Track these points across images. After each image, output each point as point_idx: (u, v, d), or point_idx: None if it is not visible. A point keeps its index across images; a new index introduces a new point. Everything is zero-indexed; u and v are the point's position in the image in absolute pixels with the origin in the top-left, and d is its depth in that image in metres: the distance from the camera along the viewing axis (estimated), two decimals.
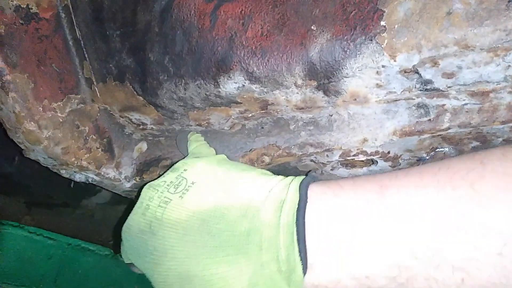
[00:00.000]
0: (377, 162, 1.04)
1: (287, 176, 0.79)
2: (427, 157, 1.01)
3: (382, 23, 0.73)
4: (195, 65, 0.96)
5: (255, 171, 0.82)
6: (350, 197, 0.67)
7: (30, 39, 0.99)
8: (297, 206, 0.67)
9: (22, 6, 0.97)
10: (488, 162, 0.62)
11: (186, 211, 0.72)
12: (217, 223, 0.70)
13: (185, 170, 0.83)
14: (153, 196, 0.78)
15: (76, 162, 1.09)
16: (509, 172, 0.59)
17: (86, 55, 1.09)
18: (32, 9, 0.98)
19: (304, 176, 0.75)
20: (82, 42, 1.08)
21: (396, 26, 0.72)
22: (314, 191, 0.70)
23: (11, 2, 0.95)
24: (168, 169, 0.88)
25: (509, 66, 0.70)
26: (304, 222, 0.65)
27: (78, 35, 1.07)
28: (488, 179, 0.59)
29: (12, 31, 0.95)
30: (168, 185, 0.80)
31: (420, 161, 1.02)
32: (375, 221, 0.63)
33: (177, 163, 0.88)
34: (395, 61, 0.75)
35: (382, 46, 0.74)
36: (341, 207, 0.67)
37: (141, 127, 1.19)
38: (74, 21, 1.06)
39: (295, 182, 0.73)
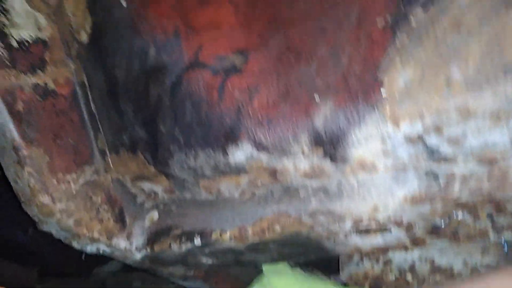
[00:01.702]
0: (391, 230, 1.01)
1: None
2: (442, 224, 0.98)
3: (383, 92, 0.74)
4: (204, 136, 0.98)
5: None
6: None
7: (48, 114, 1.03)
8: None
9: (40, 83, 1.02)
10: None
11: None
12: None
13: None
14: None
15: (87, 233, 1.09)
16: None
17: (100, 128, 1.13)
18: (49, 86, 1.04)
19: None
20: (97, 115, 1.13)
21: (397, 94, 0.73)
22: None
23: (30, 80, 1.00)
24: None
25: None
26: None
27: (93, 109, 1.12)
28: None
29: (30, 107, 1.00)
30: None
31: (435, 228, 1.00)
32: None
33: (262, 280, 1.01)
34: (399, 128, 0.75)
35: (385, 114, 0.75)
36: None
37: (152, 196, 1.20)
38: (89, 96, 1.11)
39: None
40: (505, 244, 1.10)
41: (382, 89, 0.75)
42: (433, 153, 0.79)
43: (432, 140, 0.76)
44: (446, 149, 0.77)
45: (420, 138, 0.76)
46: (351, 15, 0.80)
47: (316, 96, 0.82)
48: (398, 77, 0.73)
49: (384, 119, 0.76)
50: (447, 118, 0.70)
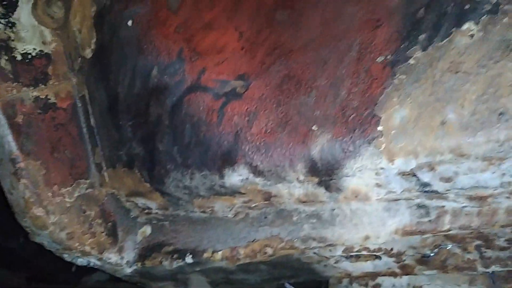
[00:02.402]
0: (380, 257, 1.03)
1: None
2: (431, 254, 1.00)
3: (379, 128, 0.76)
4: (202, 157, 0.99)
5: None
6: None
7: (46, 127, 1.04)
8: None
9: (41, 97, 1.03)
10: None
11: None
12: None
13: None
14: None
15: (79, 247, 1.09)
16: None
17: (98, 142, 1.14)
18: (50, 99, 1.05)
19: None
20: (95, 130, 1.13)
21: (393, 131, 0.75)
22: None
23: (31, 93, 1.01)
24: None
25: (504, 174, 0.71)
26: None
27: (92, 123, 1.13)
28: None
29: (30, 120, 1.01)
30: None
31: (424, 257, 1.01)
32: None
33: None
34: (393, 164, 0.77)
35: (380, 149, 0.77)
36: None
37: (146, 211, 1.20)
38: (90, 110, 1.12)
39: None
40: (493, 276, 1.12)
41: (378, 125, 0.76)
42: (425, 188, 0.80)
43: (425, 176, 0.77)
44: (438, 185, 0.78)
45: (413, 174, 0.78)
46: (352, 49, 0.82)
47: (314, 126, 0.84)
48: (395, 114, 0.75)
49: (379, 154, 0.77)
50: (440, 158, 0.72)
